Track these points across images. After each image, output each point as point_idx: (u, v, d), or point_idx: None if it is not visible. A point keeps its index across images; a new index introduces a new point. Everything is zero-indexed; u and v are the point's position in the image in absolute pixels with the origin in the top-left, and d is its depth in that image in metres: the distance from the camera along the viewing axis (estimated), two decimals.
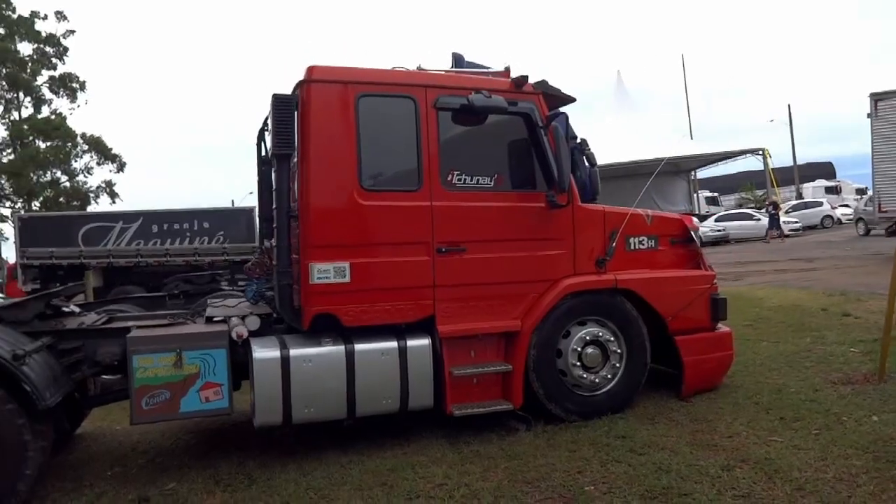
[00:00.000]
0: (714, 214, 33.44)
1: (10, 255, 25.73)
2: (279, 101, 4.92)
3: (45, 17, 38.36)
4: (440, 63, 6.08)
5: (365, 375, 4.91)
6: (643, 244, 5.92)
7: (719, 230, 28.36)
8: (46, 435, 4.49)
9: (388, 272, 5.04)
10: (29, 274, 17.30)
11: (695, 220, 6.59)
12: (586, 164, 8.73)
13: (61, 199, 38.39)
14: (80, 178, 39.26)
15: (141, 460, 5.46)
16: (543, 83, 5.63)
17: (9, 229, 34.37)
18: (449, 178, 5.17)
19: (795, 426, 4.80)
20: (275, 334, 5.03)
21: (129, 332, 4.82)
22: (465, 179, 5.23)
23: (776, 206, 28.94)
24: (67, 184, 38.96)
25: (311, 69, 4.95)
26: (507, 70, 5.77)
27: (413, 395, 5.03)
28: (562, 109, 8.19)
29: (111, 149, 39.26)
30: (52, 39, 38.90)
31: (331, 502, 4.24)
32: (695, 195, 40.57)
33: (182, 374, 4.67)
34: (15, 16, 37.52)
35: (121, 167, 39.90)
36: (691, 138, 40.91)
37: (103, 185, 39.47)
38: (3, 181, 37.69)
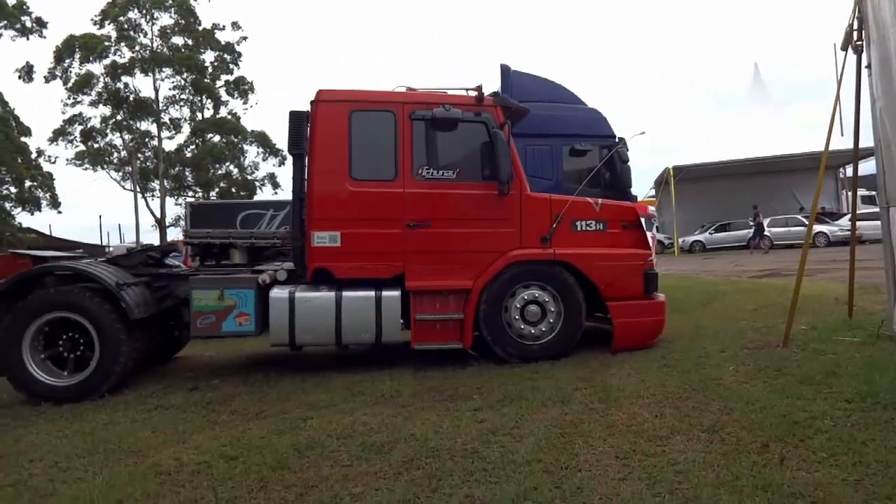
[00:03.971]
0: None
1: None
2: (294, 115, 6.92)
3: (224, 28, 44.01)
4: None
5: (349, 314, 6.75)
6: (590, 226, 7.19)
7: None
8: (138, 339, 6.79)
9: (369, 240, 6.85)
10: (192, 251, 21.13)
11: (650, 208, 7.71)
12: (620, 161, 10.12)
13: (233, 190, 43.90)
14: (249, 171, 44.71)
15: (207, 370, 7.74)
16: (500, 97, 7.15)
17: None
18: (420, 171, 6.87)
19: (662, 371, 5.98)
20: (294, 284, 7.00)
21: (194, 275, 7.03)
22: (432, 172, 6.89)
23: (757, 214, 28.79)
24: (238, 176, 44.50)
25: (319, 92, 6.87)
26: (479, 87, 7.26)
27: (385, 331, 6.79)
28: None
29: (275, 144, 44.26)
30: (229, 47, 44.55)
31: (307, 395, 6.10)
32: (843, 193, 38.13)
33: (224, 304, 6.79)
34: (201, 28, 43.45)
35: (282, 161, 44.80)
36: (841, 133, 38.46)
37: (267, 176, 44.64)
38: (187, 173, 43.87)
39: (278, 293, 6.77)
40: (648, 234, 7.41)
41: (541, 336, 6.96)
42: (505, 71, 10.07)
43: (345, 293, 6.77)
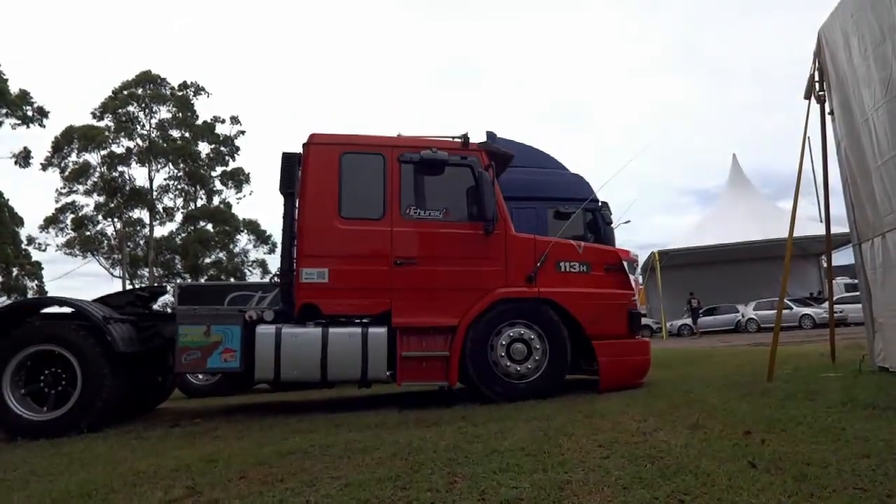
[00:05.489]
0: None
1: None
2: (286, 156, 7.18)
3: (223, 121, 45.28)
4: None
5: (335, 351, 6.74)
6: (574, 268, 7.33)
7: (837, 312, 27.23)
8: (121, 376, 6.71)
9: (357, 277, 6.94)
10: None
11: (631, 252, 7.89)
12: (602, 222, 10.36)
13: (222, 277, 43.93)
14: (239, 258, 44.98)
15: (190, 414, 7.60)
16: (486, 143, 7.47)
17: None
18: (407, 211, 7.06)
19: (647, 399, 6.00)
20: (281, 323, 7.03)
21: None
22: (419, 212, 7.09)
23: (689, 301, 31.92)
24: (228, 264, 44.68)
25: (312, 135, 7.16)
26: (464, 135, 7.58)
27: (371, 368, 6.75)
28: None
29: (265, 231, 44.73)
30: (227, 140, 45.70)
31: (290, 427, 6.02)
32: (826, 281, 38.70)
33: (210, 340, 6.78)
34: (199, 122, 44.74)
35: (272, 249, 45.14)
36: (821, 220, 39.48)
37: (256, 262, 44.93)
38: (177, 260, 44.07)
39: (265, 328, 6.80)
40: (631, 278, 7.54)
41: (527, 374, 6.94)
42: (490, 137, 10.51)
43: (331, 329, 6.79)
